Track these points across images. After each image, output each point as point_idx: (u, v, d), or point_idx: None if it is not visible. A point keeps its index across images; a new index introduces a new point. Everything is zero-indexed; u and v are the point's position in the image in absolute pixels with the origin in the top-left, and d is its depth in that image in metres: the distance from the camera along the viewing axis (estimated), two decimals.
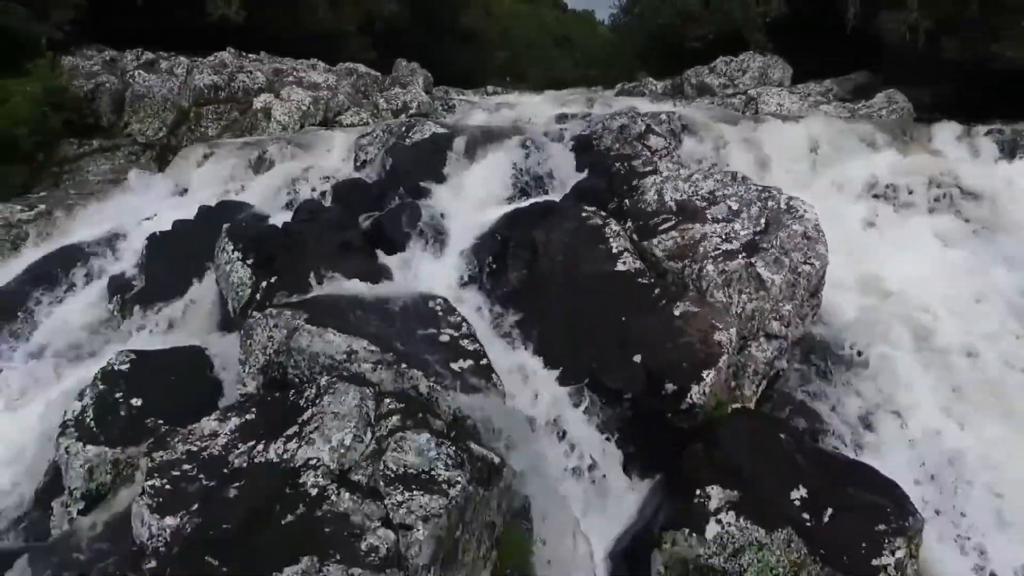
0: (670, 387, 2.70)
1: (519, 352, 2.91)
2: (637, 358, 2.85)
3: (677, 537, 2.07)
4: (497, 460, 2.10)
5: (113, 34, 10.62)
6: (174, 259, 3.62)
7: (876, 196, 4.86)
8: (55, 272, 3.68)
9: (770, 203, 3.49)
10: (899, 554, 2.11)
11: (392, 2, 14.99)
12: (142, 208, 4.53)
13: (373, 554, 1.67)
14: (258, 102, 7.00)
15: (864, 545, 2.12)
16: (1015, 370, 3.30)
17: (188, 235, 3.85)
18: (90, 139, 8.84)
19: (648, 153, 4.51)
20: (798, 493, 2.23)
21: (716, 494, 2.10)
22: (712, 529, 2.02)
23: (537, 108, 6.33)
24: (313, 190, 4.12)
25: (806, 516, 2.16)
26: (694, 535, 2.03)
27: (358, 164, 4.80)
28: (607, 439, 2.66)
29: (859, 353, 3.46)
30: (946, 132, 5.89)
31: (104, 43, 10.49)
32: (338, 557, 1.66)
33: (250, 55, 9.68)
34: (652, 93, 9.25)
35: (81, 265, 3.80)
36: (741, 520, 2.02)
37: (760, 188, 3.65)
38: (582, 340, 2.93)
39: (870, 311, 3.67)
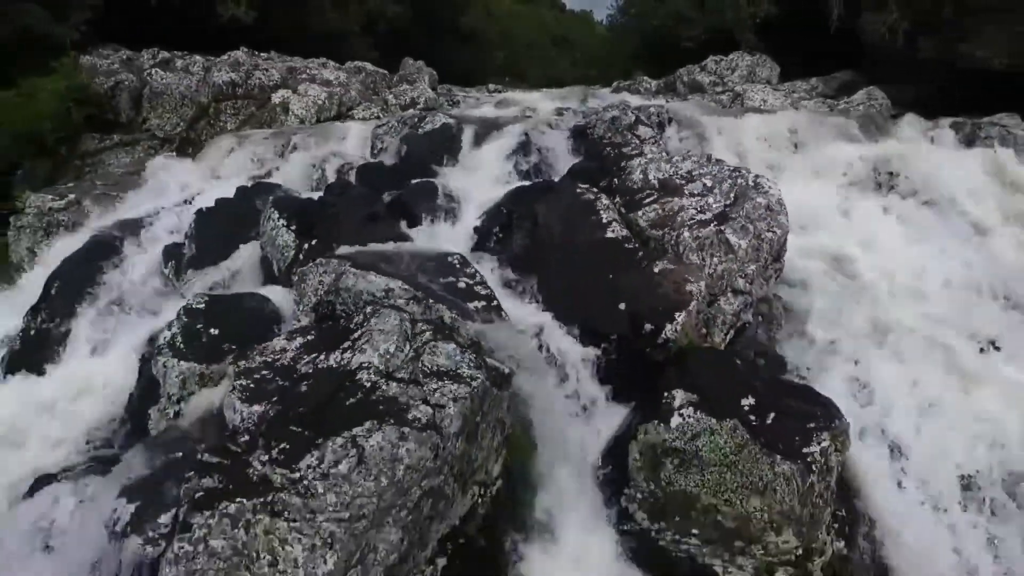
0: (648, 327, 3.36)
1: (523, 302, 3.56)
2: (622, 306, 3.50)
3: (648, 428, 2.72)
4: (507, 371, 2.75)
5: (126, 34, 11.26)
6: (219, 230, 4.28)
7: (843, 179, 5.52)
8: (114, 243, 4.33)
9: (739, 180, 4.16)
10: (824, 445, 2.77)
11: (394, 3, 15.68)
12: (181, 191, 5.18)
13: (417, 422, 2.33)
14: (276, 97, 7.67)
15: (796, 437, 2.78)
16: (943, 322, 3.97)
17: (229, 210, 4.51)
18: (110, 134, 9.46)
19: (637, 141, 5.19)
20: (747, 401, 2.89)
21: (680, 396, 2.75)
22: (676, 420, 2.68)
23: (537, 103, 7.01)
24: (338, 172, 4.78)
25: (752, 416, 2.82)
26: (661, 425, 2.68)
27: (375, 151, 5.47)
28: (596, 370, 3.32)
29: (816, 308, 4.11)
30: (913, 124, 6.58)
31: (118, 43, 11.11)
32: (392, 422, 2.31)
33: (262, 54, 10.31)
34: (647, 91, 9.92)
35: (135, 238, 4.45)
36: (698, 413, 2.68)
37: (731, 168, 4.32)
38: (576, 293, 3.59)
39: (828, 274, 4.33)
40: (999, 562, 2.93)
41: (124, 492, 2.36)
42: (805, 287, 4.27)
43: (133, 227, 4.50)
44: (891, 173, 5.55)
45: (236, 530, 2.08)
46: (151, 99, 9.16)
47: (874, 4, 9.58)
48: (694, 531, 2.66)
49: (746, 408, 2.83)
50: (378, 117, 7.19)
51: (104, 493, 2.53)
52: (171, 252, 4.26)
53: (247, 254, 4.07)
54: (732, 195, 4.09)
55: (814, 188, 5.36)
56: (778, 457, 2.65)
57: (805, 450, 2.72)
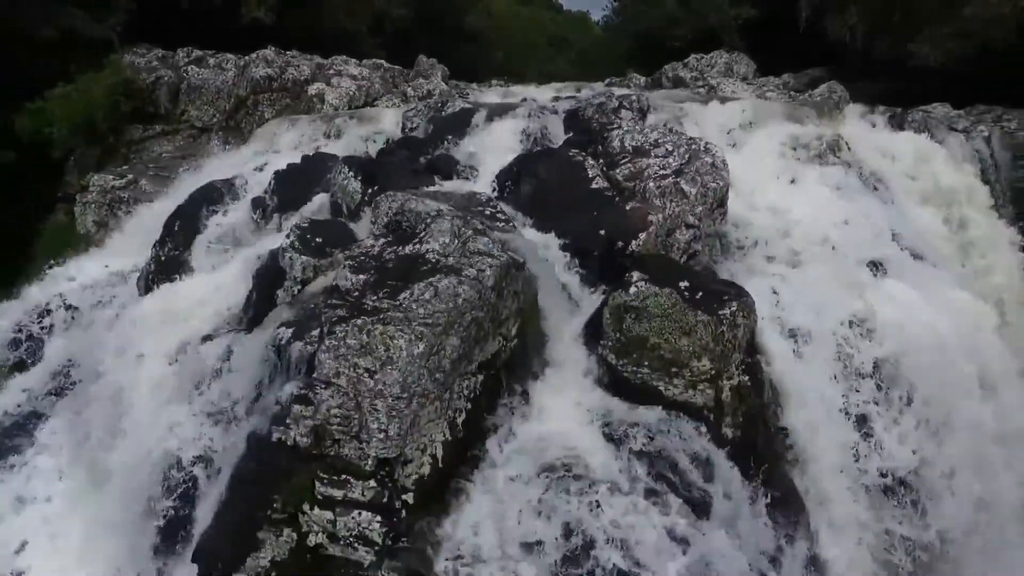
0: (619, 244, 5.07)
1: (530, 229, 5.24)
2: (602, 232, 5.21)
3: (615, 295, 4.41)
4: (521, 260, 4.44)
5: (156, 35, 13.05)
6: (293, 186, 5.97)
7: (787, 153, 7.25)
8: (213, 196, 6.02)
9: (692, 146, 5.88)
10: (732, 309, 4.46)
11: (400, 5, 17.49)
12: (250, 162, 6.88)
13: (467, 276, 4.00)
14: (312, 89, 9.40)
15: (714, 304, 4.48)
16: (847, 253, 5.66)
17: (298, 172, 6.21)
18: (152, 124, 11.23)
19: (619, 121, 6.90)
20: (683, 283, 4.59)
21: (636, 275, 4.45)
22: (632, 289, 4.37)
23: (537, 94, 8.75)
24: (386, 141, 6.49)
25: (685, 291, 4.51)
26: (623, 292, 4.37)
27: (406, 130, 7.20)
28: (580, 274, 5.00)
29: (755, 244, 5.82)
30: (855, 112, 8.34)
31: (149, 42, 12.89)
32: (452, 276, 3.99)
33: (288, 52, 12.06)
34: (636, 86, 11.70)
35: (227, 193, 6.14)
36: (647, 284, 4.37)
37: (688, 137, 6.05)
38: (569, 223, 5.27)
39: (765, 220, 6.03)
40: (855, 406, 4.60)
41: (281, 325, 4.03)
42: (747, 229, 5.99)
43: (225, 185, 6.19)
44: (829, 149, 7.27)
45: (362, 334, 3.75)
46: (189, 93, 10.88)
47: (837, 8, 11.43)
48: (645, 363, 4.34)
49: (681, 286, 4.53)
50: (398, 106, 8.91)
51: (259, 335, 4.21)
52: (258, 202, 5.95)
53: (319, 201, 5.77)
54: (687, 156, 5.81)
55: (764, 160, 7.08)
56: (700, 312, 4.34)
57: (719, 311, 4.42)
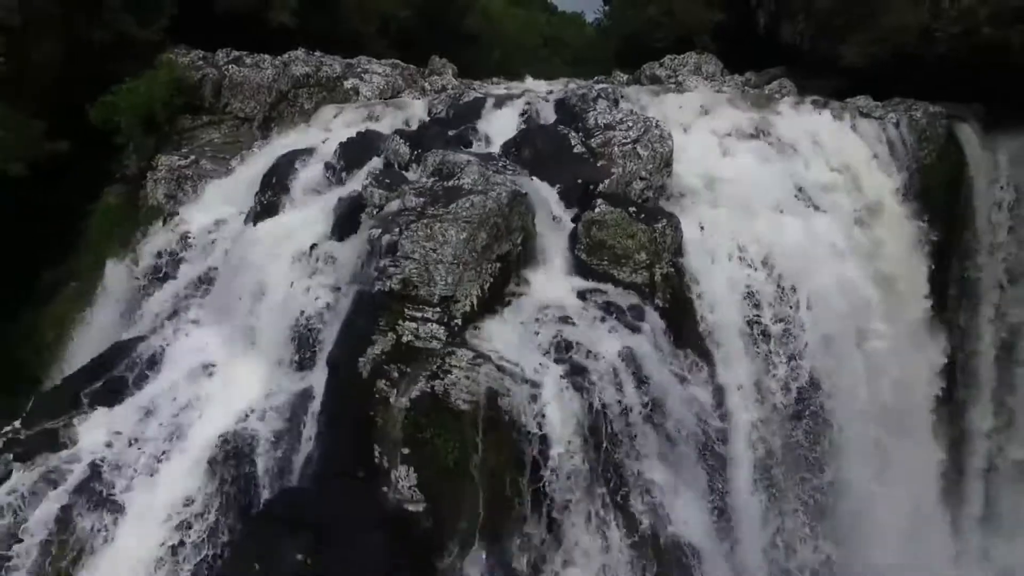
0: (591, 187, 8.13)
1: (531, 182, 8.25)
2: (580, 180, 8.26)
3: (586, 214, 7.46)
4: (524, 191, 7.46)
5: (193, 37, 16.12)
6: (353, 152, 8.99)
7: (727, 132, 10.30)
8: (294, 159, 9.03)
9: (647, 123, 8.96)
10: (663, 223, 7.51)
11: (405, 9, 20.68)
12: (315, 137, 9.89)
13: (490, 195, 7.00)
14: (347, 84, 12.44)
15: (651, 220, 7.52)
16: (760, 199, 8.68)
17: (356, 143, 9.24)
18: (199, 115, 14.17)
19: (595, 107, 9.96)
20: (632, 208, 7.64)
21: (600, 201, 7.51)
22: (597, 208, 7.42)
23: (533, 87, 11.84)
24: (418, 123, 9.54)
25: (632, 212, 7.56)
26: (590, 211, 7.42)
27: (432, 114, 10.25)
28: (564, 206, 8.02)
29: (693, 193, 8.85)
30: (787, 100, 11.46)
31: (187, 44, 15.95)
32: (480, 193, 6.99)
33: (315, 53, 15.11)
34: (619, 82, 14.80)
35: (305, 157, 9.14)
36: (607, 206, 7.42)
37: (645, 117, 9.13)
38: (557, 176, 8.30)
39: (701, 180, 9.06)
40: (747, 287, 7.61)
41: (372, 228, 7.01)
42: (687, 183, 9.02)
43: (302, 152, 9.20)
44: (758, 129, 10.35)
45: (427, 228, 6.73)
46: (231, 88, 13.86)
47: (788, 15, 14.63)
48: (604, 257, 7.36)
49: (630, 209, 7.58)
50: (419, 97, 11.97)
51: (353, 240, 7.19)
52: (328, 164, 8.96)
53: (374, 162, 8.77)
54: (642, 130, 8.89)
55: (707, 136, 10.15)
56: (641, 224, 7.37)
57: (654, 224, 7.45)
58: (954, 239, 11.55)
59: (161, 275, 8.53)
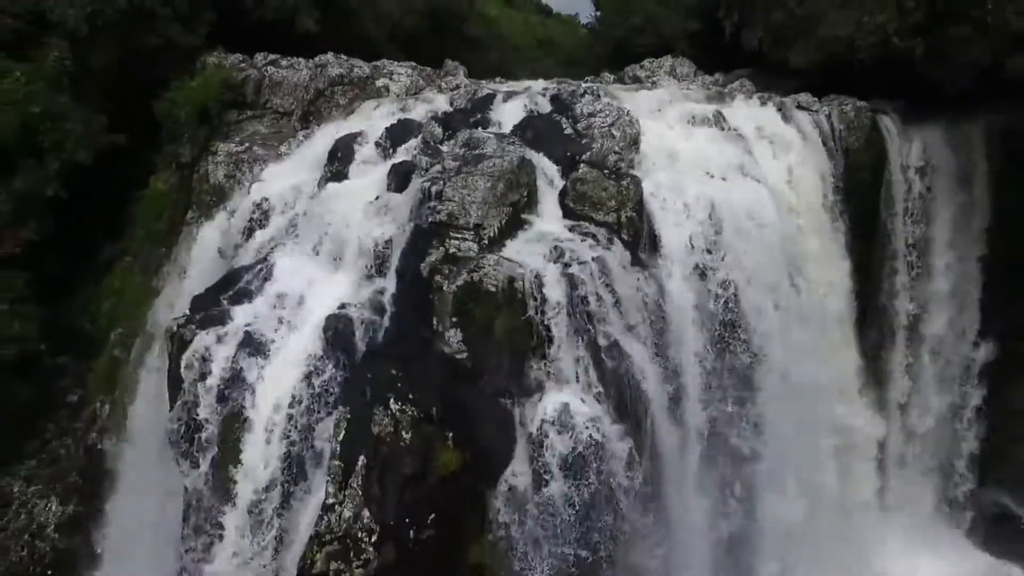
0: (577, 158, 12.50)
1: (533, 154, 12.57)
2: (568, 153, 12.64)
3: (573, 173, 11.78)
4: (529, 157, 11.78)
5: (230, 42, 20.57)
6: (396, 134, 13.37)
7: (687, 121, 14.68)
8: (350, 140, 13.36)
9: (620, 111, 13.41)
10: (627, 181, 11.87)
11: (412, 16, 25.17)
12: (360, 123, 14.22)
13: (505, 158, 11.31)
14: (378, 83, 16.81)
15: (620, 179, 11.84)
16: (705, 169, 13.02)
17: (397, 127, 13.66)
18: (243, 110, 18.53)
19: (581, 100, 14.36)
20: (605, 170, 11.97)
21: (583, 165, 11.82)
22: (580, 169, 11.78)
23: (532, 86, 16.24)
24: (443, 113, 13.89)
25: (605, 172, 11.90)
26: (575, 172, 11.74)
27: (454, 106, 14.61)
28: (557, 173, 12.36)
29: (655, 163, 13.21)
30: (738, 97, 15.93)
31: (225, 47, 20.40)
32: (499, 157, 11.30)
33: (341, 56, 19.49)
34: (605, 82, 19.28)
35: (358, 139, 13.47)
36: (588, 168, 11.75)
37: (619, 107, 13.54)
38: (552, 150, 12.64)
39: (663, 154, 13.41)
40: (691, 228, 11.90)
41: (423, 182, 11.28)
42: (651, 158, 13.38)
43: (355, 136, 13.51)
44: (714, 119, 14.73)
45: (463, 180, 11.01)
46: (270, 87, 18.25)
47: (749, 26, 19.18)
48: (586, 205, 11.69)
49: (604, 171, 11.92)
50: (438, 93, 16.34)
51: (407, 193, 11.48)
52: (378, 143, 13.30)
53: (413, 142, 13.08)
54: (616, 116, 13.27)
55: (672, 125, 14.54)
56: (611, 181, 11.72)
57: (621, 181, 11.80)
58: (874, 211, 16.00)
59: (251, 228, 12.73)
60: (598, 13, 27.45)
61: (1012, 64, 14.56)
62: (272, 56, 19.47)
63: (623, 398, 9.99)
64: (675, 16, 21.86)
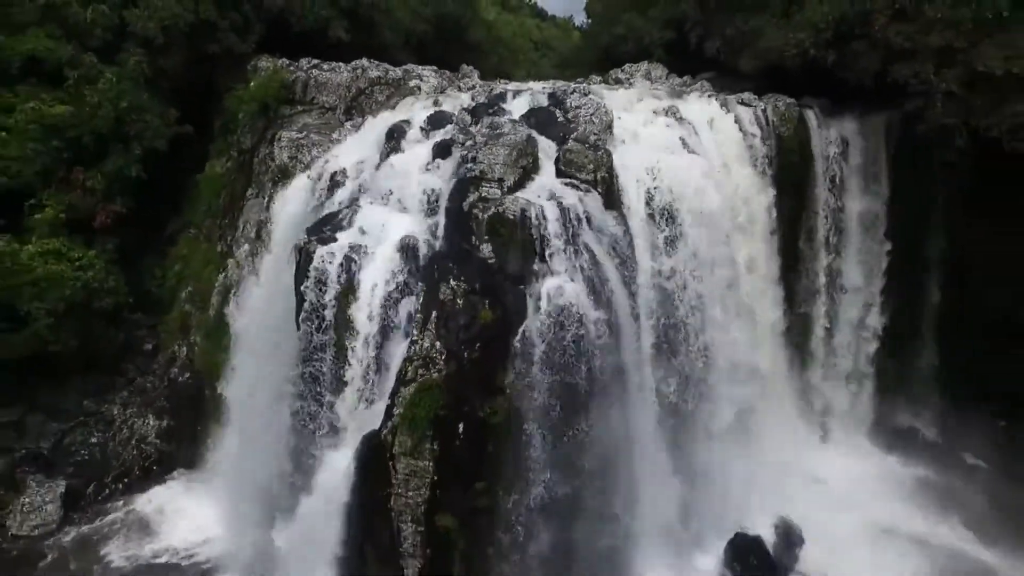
0: (567, 137, 21.23)
1: (536, 134, 21.25)
2: (562, 134, 21.42)
3: (563, 147, 20.46)
4: (533, 137, 20.45)
5: (274, 49, 29.68)
6: (435, 120, 22.15)
7: (650, 112, 23.50)
8: (401, 126, 22.07)
9: (598, 104, 22.18)
10: (601, 152, 20.53)
11: (422, 24, 34.15)
12: (405, 114, 22.93)
13: (518, 130, 19.96)
14: (411, 83, 25.58)
15: (596, 150, 20.51)
16: (658, 143, 21.76)
17: (435, 116, 22.50)
18: (294, 106, 27.62)
19: (571, 97, 23.21)
20: (586, 144, 20.69)
21: (571, 140, 20.50)
22: (569, 143, 20.44)
23: (535, 86, 25.03)
24: (468, 104, 22.61)
25: (584, 144, 20.61)
26: (565, 145, 20.41)
27: (476, 101, 23.35)
28: (553, 147, 21.07)
29: (623, 141, 21.96)
30: (693, 95, 24.86)
31: (270, 53, 29.53)
32: (514, 131, 19.97)
33: (374, 60, 28.42)
34: (593, 82, 28.19)
35: (405, 125, 22.19)
36: (574, 142, 20.43)
37: (597, 102, 22.38)
38: (549, 132, 21.37)
39: (628, 135, 22.15)
40: (646, 185, 20.58)
41: (462, 152, 19.89)
42: (622, 138, 22.14)
43: (403, 123, 22.18)
44: (670, 111, 23.59)
45: (488, 149, 19.65)
46: (316, 86, 27.29)
47: (710, 36, 28.25)
48: (572, 168, 20.32)
49: (585, 144, 20.62)
50: (460, 92, 25.08)
51: (449, 160, 20.17)
52: (422, 127, 22.01)
53: (449, 127, 21.78)
54: (596, 108, 22.07)
55: (637, 116, 23.39)
56: (590, 150, 20.37)
57: (596, 152, 20.47)
58: (802, 182, 24.85)
59: (334, 187, 21.26)
60: (589, 21, 36.54)
61: (894, 71, 23.34)
62: (315, 61, 28.43)
63: (595, 285, 18.43)
64: (653, 28, 30.82)
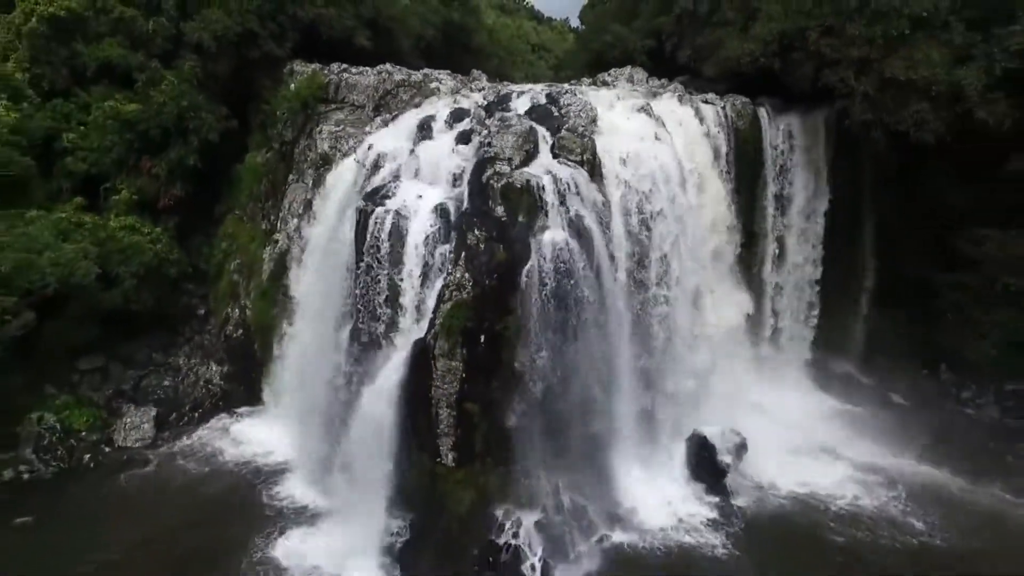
0: (561, 128, 32.27)
1: (536, 125, 32.19)
2: (557, 125, 32.46)
3: (557, 135, 31.41)
4: (535, 127, 31.42)
5: (305, 54, 41.29)
6: (455, 115, 33.13)
7: (630, 109, 34.56)
8: (428, 119, 33.05)
9: (585, 103, 33.21)
10: (587, 139, 31.44)
11: (431, 29, 45.33)
12: (431, 110, 33.91)
13: (521, 122, 30.90)
14: (432, 85, 36.55)
15: (582, 137, 31.48)
16: (632, 132, 32.75)
17: (455, 112, 33.48)
18: (328, 104, 39.13)
19: (564, 96, 34.34)
20: (575, 133, 31.73)
21: (564, 129, 31.48)
22: (561, 132, 31.39)
23: (535, 87, 36.04)
24: (481, 102, 33.58)
25: (574, 133, 31.63)
26: (558, 134, 31.36)
27: (487, 100, 34.36)
28: (549, 133, 32.06)
29: (604, 131, 32.99)
30: (665, 94, 36.12)
31: (301, 58, 41.12)
32: (519, 122, 30.92)
33: (395, 65, 39.71)
34: (585, 84, 39.39)
35: (431, 119, 33.16)
36: (566, 131, 31.41)
37: (585, 100, 33.46)
38: (547, 124, 32.36)
39: (608, 127, 33.14)
40: (625, 164, 31.50)
41: (481, 137, 30.80)
42: (604, 129, 33.16)
43: (430, 117, 33.13)
44: (644, 109, 34.70)
45: (500, 135, 30.52)
46: (346, 87, 38.78)
47: (682, 45, 39.63)
48: (566, 151, 31.19)
49: (575, 134, 31.61)
50: (472, 92, 36.07)
51: (470, 144, 31.19)
52: (446, 121, 32.99)
53: (467, 121, 32.76)
54: (583, 105, 33.13)
55: (618, 113, 34.49)
56: (578, 137, 31.29)
57: (583, 139, 31.41)
58: (756, 171, 36.04)
59: (377, 167, 32.04)
60: (582, 27, 47.84)
61: (824, 76, 34.29)
62: (344, 65, 39.47)
63: (582, 236, 29.20)
64: (636, 37, 41.92)
